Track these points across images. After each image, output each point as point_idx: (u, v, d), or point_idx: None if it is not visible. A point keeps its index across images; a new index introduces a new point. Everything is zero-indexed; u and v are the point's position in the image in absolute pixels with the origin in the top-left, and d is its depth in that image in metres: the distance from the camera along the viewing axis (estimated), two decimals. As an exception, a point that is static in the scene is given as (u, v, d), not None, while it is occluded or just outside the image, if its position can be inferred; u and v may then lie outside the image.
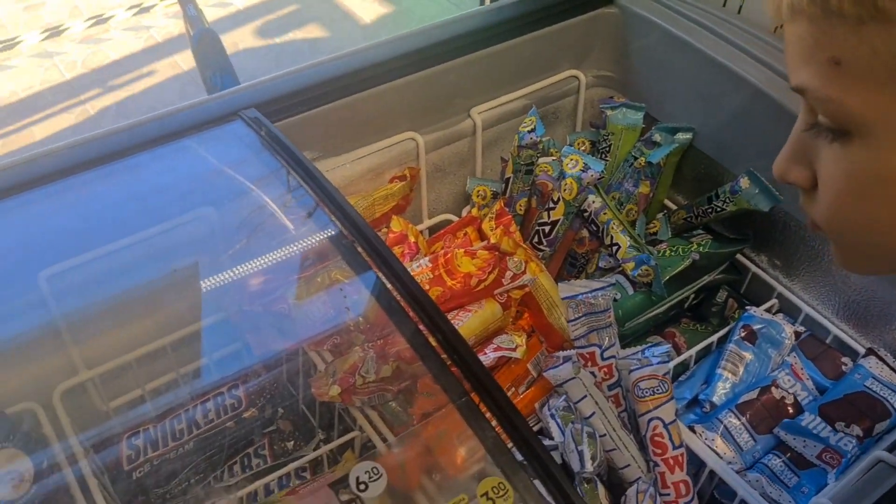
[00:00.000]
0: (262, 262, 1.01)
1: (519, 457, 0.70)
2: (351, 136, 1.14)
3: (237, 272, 1.02)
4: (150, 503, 1.06)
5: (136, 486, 1.05)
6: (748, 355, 1.11)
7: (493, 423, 0.72)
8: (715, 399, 1.07)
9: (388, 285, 0.79)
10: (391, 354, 0.94)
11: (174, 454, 1.08)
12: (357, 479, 0.68)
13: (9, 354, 0.95)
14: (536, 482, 0.69)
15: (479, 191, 1.25)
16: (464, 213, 1.28)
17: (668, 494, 0.97)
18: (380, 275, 0.81)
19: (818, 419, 1.02)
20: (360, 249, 0.82)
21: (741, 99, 1.14)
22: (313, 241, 0.96)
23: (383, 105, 1.14)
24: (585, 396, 0.99)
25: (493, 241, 1.07)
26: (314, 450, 1.06)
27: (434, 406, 0.95)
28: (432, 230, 1.30)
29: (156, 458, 1.07)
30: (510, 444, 0.72)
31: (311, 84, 1.08)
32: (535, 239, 1.20)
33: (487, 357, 1.02)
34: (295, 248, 0.99)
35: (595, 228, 1.19)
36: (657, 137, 1.21)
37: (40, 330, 0.97)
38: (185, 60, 3.47)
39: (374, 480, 0.68)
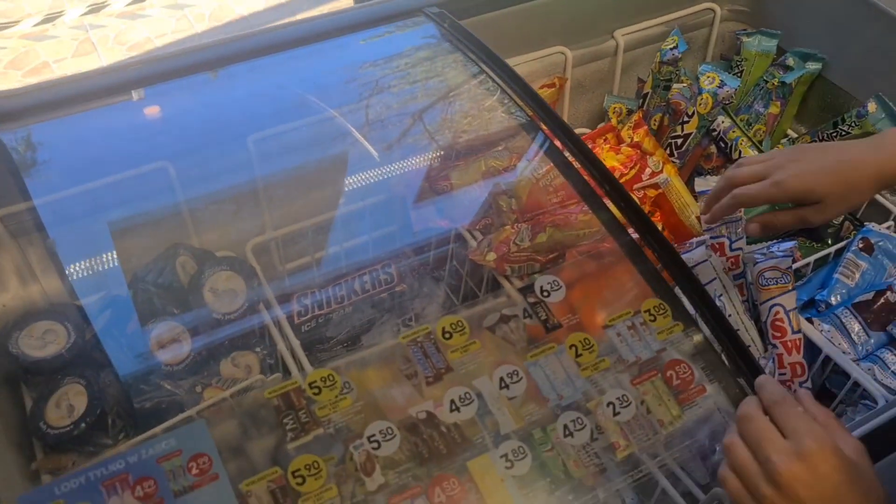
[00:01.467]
0: (433, 145, 1.15)
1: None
2: (507, 45, 1.27)
3: (409, 156, 1.16)
4: (313, 355, 1.22)
5: (303, 337, 1.21)
6: (864, 264, 1.19)
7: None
8: (831, 300, 1.16)
9: (567, 154, 0.92)
10: (546, 223, 1.06)
11: (335, 315, 1.23)
12: (541, 287, 0.81)
13: (218, 206, 1.12)
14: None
15: (615, 107, 1.37)
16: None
17: (785, 373, 1.07)
18: (556, 143, 0.93)
19: (932, 319, 1.10)
20: (542, 126, 0.94)
21: (877, 29, 1.22)
22: (485, 124, 1.09)
23: (537, 18, 1.27)
24: (715, 279, 1.09)
25: (636, 139, 1.18)
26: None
27: (580, 274, 1.07)
28: (568, 143, 1.41)
29: (320, 317, 1.22)
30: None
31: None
32: (667, 151, 1.30)
33: (625, 240, 1.13)
34: (465, 132, 1.12)
35: (724, 145, 1.29)
36: (790, 61, 1.30)
37: (243, 187, 1.12)
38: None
39: (556, 290, 0.81)
